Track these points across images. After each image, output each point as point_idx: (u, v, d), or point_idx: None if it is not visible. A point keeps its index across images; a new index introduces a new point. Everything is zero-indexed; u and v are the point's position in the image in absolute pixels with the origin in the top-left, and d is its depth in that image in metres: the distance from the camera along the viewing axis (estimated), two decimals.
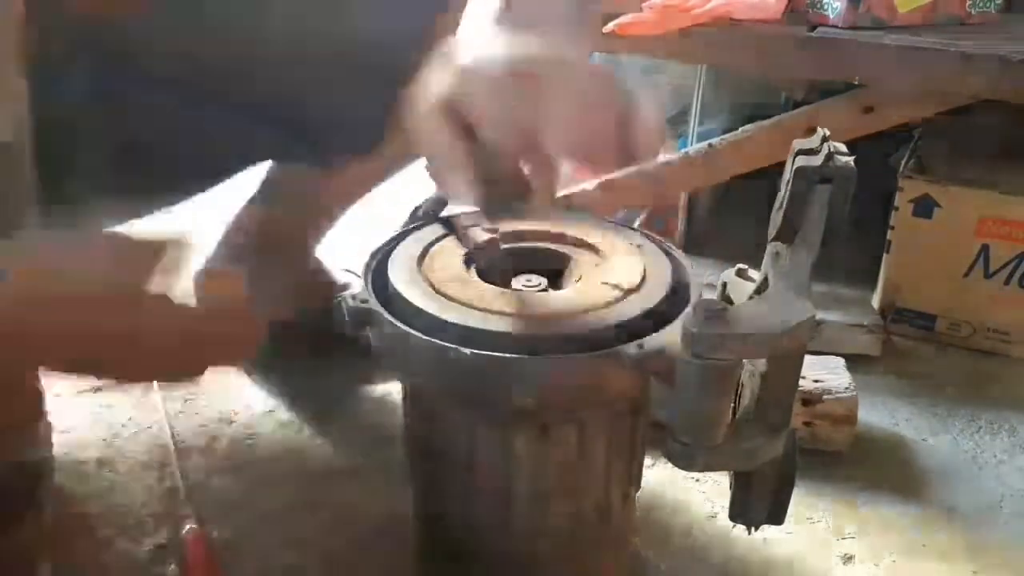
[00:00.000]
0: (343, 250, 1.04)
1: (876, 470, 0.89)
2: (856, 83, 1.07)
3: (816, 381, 0.88)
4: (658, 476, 0.85)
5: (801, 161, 0.58)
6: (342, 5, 0.74)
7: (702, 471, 0.84)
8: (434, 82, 0.58)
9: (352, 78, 0.74)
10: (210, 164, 0.82)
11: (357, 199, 0.96)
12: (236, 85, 0.73)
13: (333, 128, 0.78)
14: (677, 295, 0.61)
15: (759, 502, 0.61)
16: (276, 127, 0.78)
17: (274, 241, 0.97)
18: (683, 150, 1.26)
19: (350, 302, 0.58)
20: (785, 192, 0.60)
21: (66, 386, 0.96)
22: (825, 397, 0.87)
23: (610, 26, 1.05)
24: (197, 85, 0.72)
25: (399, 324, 0.56)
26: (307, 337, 1.00)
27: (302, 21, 0.74)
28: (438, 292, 0.58)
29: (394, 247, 0.65)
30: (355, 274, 1.05)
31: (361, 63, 0.74)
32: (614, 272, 0.61)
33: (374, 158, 0.87)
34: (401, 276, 0.60)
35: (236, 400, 0.96)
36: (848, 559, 0.77)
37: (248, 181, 0.86)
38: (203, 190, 0.94)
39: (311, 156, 0.83)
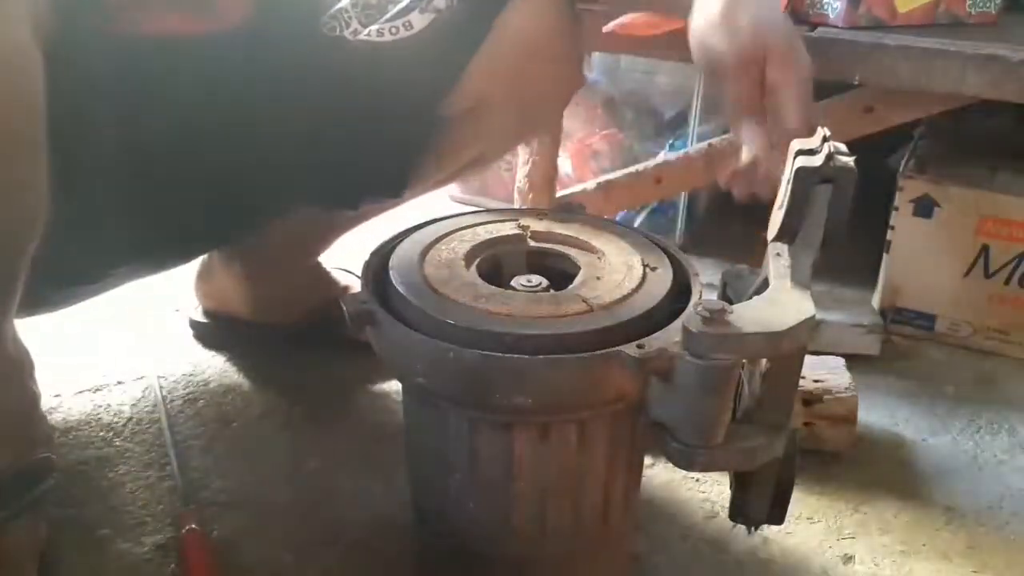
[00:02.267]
0: (344, 251, 1.04)
1: (876, 470, 0.89)
2: (856, 83, 1.07)
3: (816, 381, 0.88)
4: (658, 476, 0.85)
5: (801, 161, 0.58)
6: (373, 79, 0.75)
7: (702, 471, 0.84)
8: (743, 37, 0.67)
9: (382, 135, 0.77)
10: (244, 214, 0.83)
11: (370, 219, 0.97)
12: (274, 133, 0.74)
13: (364, 176, 0.80)
14: (678, 296, 0.61)
15: (759, 502, 0.61)
16: (311, 177, 0.80)
17: (281, 245, 0.97)
18: (683, 150, 1.26)
19: (351, 303, 0.58)
20: (785, 192, 0.60)
21: (66, 386, 0.96)
22: (825, 397, 0.87)
23: (610, 26, 1.04)
24: (234, 129, 0.73)
25: (399, 324, 0.56)
26: (309, 338, 1.01)
27: (338, 88, 0.76)
28: (438, 292, 0.58)
29: (394, 247, 0.65)
30: (353, 274, 1.05)
31: (390, 122, 0.77)
32: (613, 274, 0.61)
33: (398, 202, 0.89)
34: (401, 276, 0.60)
35: (236, 400, 0.96)
36: (848, 559, 0.77)
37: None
38: (234, 240, 0.95)
39: (341, 202, 0.85)
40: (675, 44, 1.11)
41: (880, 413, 0.98)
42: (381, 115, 0.76)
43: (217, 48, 0.71)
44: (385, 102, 0.76)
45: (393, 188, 0.83)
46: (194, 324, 1.06)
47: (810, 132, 0.64)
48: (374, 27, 0.75)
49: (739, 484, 0.62)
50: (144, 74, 0.68)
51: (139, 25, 0.67)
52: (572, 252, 0.66)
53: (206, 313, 1.06)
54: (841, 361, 0.92)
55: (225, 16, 0.72)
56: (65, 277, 0.75)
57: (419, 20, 0.74)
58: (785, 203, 0.60)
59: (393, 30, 0.74)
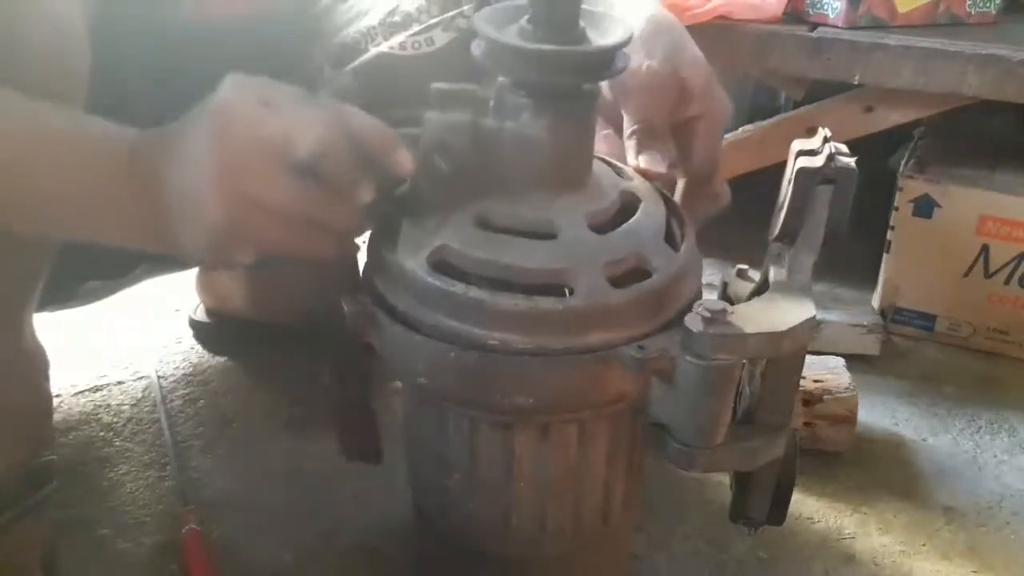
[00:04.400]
0: None
1: (876, 470, 0.89)
2: (856, 83, 1.07)
3: (816, 381, 0.88)
4: (658, 476, 0.85)
5: (802, 162, 0.58)
6: (389, 85, 0.76)
7: (702, 472, 0.84)
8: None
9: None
10: None
11: None
12: None
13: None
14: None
15: (759, 502, 0.61)
16: None
17: None
18: None
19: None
20: (786, 193, 0.60)
21: (66, 386, 0.96)
22: (825, 397, 0.87)
23: None
24: None
25: (400, 325, 0.55)
26: (310, 338, 1.00)
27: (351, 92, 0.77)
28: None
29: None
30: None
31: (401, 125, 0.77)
32: None
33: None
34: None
35: (236, 400, 0.96)
36: (848, 559, 0.77)
37: None
38: None
39: None
40: None
41: (880, 413, 0.98)
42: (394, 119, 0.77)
43: (238, 35, 0.72)
44: (399, 108, 0.76)
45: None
46: (194, 324, 1.06)
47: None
48: (396, 39, 0.76)
49: (739, 484, 0.62)
50: (180, 59, 0.69)
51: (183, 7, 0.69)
52: None
53: (207, 312, 1.06)
54: (841, 361, 0.92)
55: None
56: (92, 271, 0.75)
57: (441, 37, 0.75)
58: (786, 203, 0.60)
59: (415, 45, 0.75)
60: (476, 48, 0.55)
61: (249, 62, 0.72)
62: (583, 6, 0.53)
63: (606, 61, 0.54)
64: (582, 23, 0.53)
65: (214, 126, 0.48)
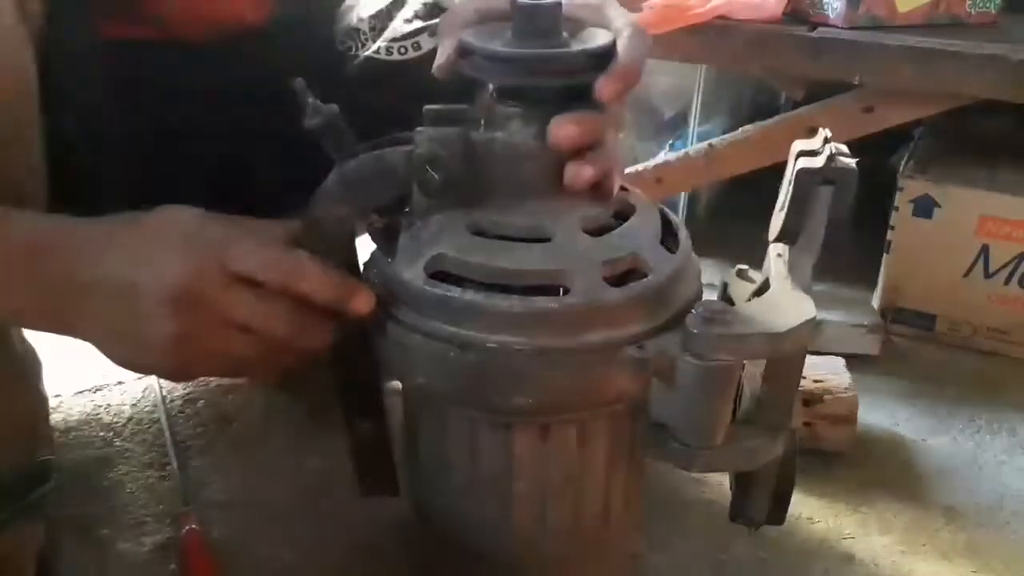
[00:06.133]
0: None
1: (876, 470, 0.89)
2: (856, 83, 1.07)
3: (816, 381, 0.88)
4: (658, 476, 0.85)
5: (803, 163, 0.58)
6: (377, 92, 0.75)
7: (702, 471, 0.84)
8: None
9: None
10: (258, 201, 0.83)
11: None
12: (277, 139, 0.74)
13: None
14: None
15: (759, 502, 0.61)
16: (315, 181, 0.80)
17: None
18: (683, 150, 1.26)
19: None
20: (786, 193, 0.60)
21: (66, 386, 0.96)
22: (825, 397, 0.87)
23: None
24: (238, 132, 0.73)
25: (399, 325, 0.56)
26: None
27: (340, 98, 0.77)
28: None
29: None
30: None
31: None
32: None
33: None
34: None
35: (236, 400, 0.96)
36: (848, 559, 0.77)
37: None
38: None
39: None
40: (675, 44, 1.12)
41: (880, 413, 0.98)
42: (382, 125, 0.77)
43: (229, 52, 0.71)
44: (386, 114, 0.76)
45: None
46: None
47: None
48: (383, 44, 0.76)
49: (739, 484, 0.62)
50: (164, 83, 0.69)
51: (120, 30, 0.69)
52: None
53: None
54: (841, 361, 0.92)
55: (230, 21, 0.72)
56: None
57: (428, 42, 0.75)
58: (786, 204, 0.60)
59: (402, 50, 0.75)
60: (466, 64, 0.55)
61: (243, 78, 0.72)
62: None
63: (591, 63, 0.54)
64: (565, 33, 0.54)
65: (180, 313, 0.51)
